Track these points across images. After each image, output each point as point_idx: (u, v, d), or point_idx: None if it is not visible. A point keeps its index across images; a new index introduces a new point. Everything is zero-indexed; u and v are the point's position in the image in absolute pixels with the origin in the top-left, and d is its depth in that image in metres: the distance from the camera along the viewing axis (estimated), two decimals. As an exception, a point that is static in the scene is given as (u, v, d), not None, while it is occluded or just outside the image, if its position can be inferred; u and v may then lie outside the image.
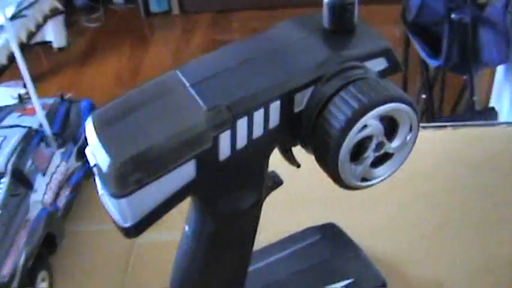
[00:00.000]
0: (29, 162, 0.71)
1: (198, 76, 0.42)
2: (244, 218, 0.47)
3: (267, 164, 0.46)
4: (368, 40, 0.45)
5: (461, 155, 0.84)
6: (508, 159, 0.82)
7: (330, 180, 0.44)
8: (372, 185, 0.45)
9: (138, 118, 0.40)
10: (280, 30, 0.46)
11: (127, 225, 0.40)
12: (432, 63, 1.87)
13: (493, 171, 0.81)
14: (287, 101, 0.42)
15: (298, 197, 0.77)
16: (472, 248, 0.71)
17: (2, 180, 0.67)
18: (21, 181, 0.69)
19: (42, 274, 0.68)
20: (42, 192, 0.71)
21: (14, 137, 0.72)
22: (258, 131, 0.41)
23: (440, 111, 2.02)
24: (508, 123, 0.89)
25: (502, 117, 1.91)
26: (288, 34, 0.45)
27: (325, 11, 0.44)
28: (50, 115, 0.79)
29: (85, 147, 0.41)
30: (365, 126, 0.40)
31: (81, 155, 0.80)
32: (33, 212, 0.68)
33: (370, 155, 0.43)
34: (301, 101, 0.42)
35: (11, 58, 2.18)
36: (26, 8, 2.53)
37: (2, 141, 0.71)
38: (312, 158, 0.44)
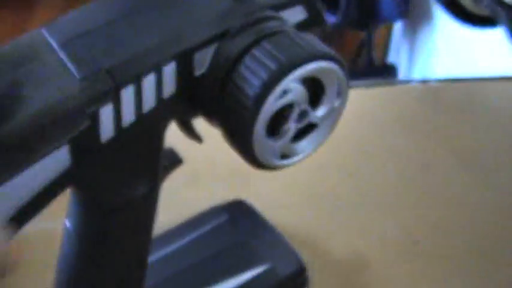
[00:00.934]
0: None
1: (69, 35, 0.33)
2: (137, 209, 0.39)
3: (163, 142, 0.37)
4: None
5: (373, 115, 0.79)
6: (419, 119, 0.78)
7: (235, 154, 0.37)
8: (293, 163, 0.38)
9: None
10: None
11: None
12: (330, 20, 1.84)
13: (403, 132, 0.76)
14: (184, 62, 0.34)
15: (200, 174, 0.68)
16: (394, 217, 0.66)
17: None
18: None
19: None
20: None
21: None
22: (149, 102, 0.33)
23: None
24: (423, 81, 0.85)
25: (401, 73, 1.91)
26: None
27: None
28: None
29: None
30: (285, 91, 0.33)
31: None
32: None
33: (291, 126, 0.36)
34: (202, 61, 0.34)
35: None
36: None
37: None
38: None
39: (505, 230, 0.65)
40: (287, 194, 0.68)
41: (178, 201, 0.60)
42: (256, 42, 0.33)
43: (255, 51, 0.33)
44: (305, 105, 0.35)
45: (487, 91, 0.84)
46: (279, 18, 0.35)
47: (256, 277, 0.53)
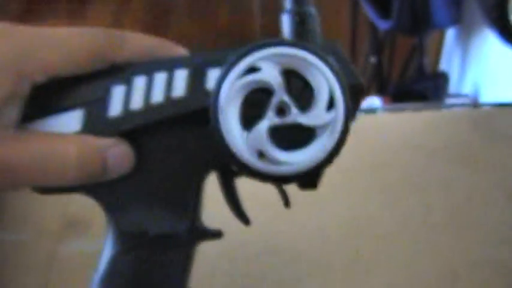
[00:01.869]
0: None
1: None
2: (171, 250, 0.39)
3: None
4: None
5: (420, 141, 0.77)
6: (467, 147, 0.76)
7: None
8: (282, 173, 0.35)
9: None
10: None
11: None
12: (381, 26, 1.81)
13: (449, 161, 0.75)
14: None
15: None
16: (434, 250, 0.65)
17: None
18: None
19: None
20: None
21: None
22: (157, 95, 0.37)
23: (389, 75, 1.96)
24: (475, 105, 0.82)
25: (453, 81, 1.87)
26: None
27: None
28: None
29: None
30: (255, 69, 0.35)
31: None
32: None
33: (268, 115, 0.35)
34: None
35: None
36: None
37: None
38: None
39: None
40: (328, 220, 0.67)
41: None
42: None
43: None
44: (284, 95, 0.35)
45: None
46: None
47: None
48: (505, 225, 0.67)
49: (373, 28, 1.89)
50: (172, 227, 0.38)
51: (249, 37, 2.29)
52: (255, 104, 0.35)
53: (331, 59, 0.35)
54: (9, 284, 0.65)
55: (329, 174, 0.38)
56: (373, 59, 1.93)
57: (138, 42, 0.38)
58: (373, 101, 1.69)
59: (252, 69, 0.35)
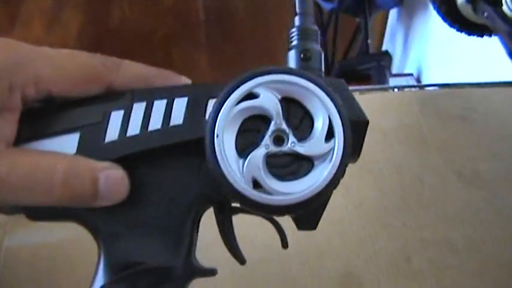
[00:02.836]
0: None
1: None
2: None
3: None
4: None
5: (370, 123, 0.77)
6: (416, 129, 0.77)
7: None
8: (278, 202, 0.34)
9: None
10: None
11: None
12: (326, 6, 1.82)
13: (398, 142, 0.75)
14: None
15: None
16: (387, 232, 0.65)
17: None
18: None
19: None
20: None
21: None
22: (155, 123, 0.37)
23: (333, 54, 1.97)
24: (420, 86, 0.83)
25: (396, 60, 1.90)
26: None
27: None
28: None
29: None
30: (253, 95, 0.34)
31: None
32: None
33: (265, 143, 0.34)
34: None
35: None
36: None
37: None
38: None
39: (502, 248, 0.64)
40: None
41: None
42: None
43: None
44: (282, 123, 0.34)
45: (489, 97, 0.83)
46: None
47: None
48: (455, 204, 0.68)
49: (317, 9, 1.90)
50: (165, 261, 0.37)
51: (193, 19, 2.26)
52: (252, 131, 0.34)
53: (331, 89, 0.35)
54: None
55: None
56: (317, 40, 1.93)
57: (134, 70, 0.38)
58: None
59: (251, 96, 0.34)
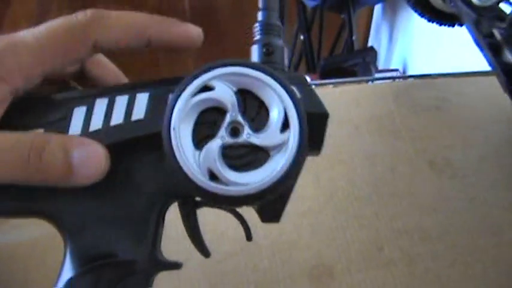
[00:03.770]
0: None
1: None
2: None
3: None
4: None
5: (344, 115, 0.77)
6: (390, 119, 0.77)
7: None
8: (234, 193, 0.34)
9: None
10: None
11: None
12: (309, 4, 1.82)
13: (371, 133, 0.75)
14: None
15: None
16: (358, 222, 0.65)
17: None
18: None
19: None
20: None
21: None
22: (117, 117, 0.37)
23: (319, 52, 1.98)
24: (393, 78, 0.83)
25: (382, 56, 1.90)
26: None
27: None
28: None
29: None
30: (209, 88, 0.35)
31: None
32: None
33: (221, 135, 0.35)
34: None
35: None
36: None
37: None
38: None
39: (474, 237, 0.64)
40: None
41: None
42: None
43: None
44: (237, 115, 0.35)
45: (463, 87, 0.83)
46: None
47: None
48: (427, 193, 0.68)
49: (302, 6, 1.90)
50: (130, 253, 0.37)
51: (180, 18, 2.26)
52: (208, 123, 0.35)
53: (286, 81, 0.35)
54: None
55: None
56: (302, 37, 1.94)
57: (122, 20, 0.36)
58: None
59: (206, 88, 0.35)
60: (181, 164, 0.34)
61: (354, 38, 1.82)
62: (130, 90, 0.37)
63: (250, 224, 0.40)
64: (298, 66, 2.03)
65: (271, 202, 0.37)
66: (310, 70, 1.92)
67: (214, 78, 0.35)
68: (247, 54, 0.40)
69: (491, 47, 0.57)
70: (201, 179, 0.34)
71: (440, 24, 0.79)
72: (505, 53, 0.55)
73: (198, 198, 0.39)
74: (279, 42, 0.40)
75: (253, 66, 0.35)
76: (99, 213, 0.37)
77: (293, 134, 0.35)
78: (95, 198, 0.37)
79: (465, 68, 0.78)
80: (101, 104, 0.36)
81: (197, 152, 0.34)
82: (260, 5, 0.40)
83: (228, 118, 0.35)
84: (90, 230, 0.37)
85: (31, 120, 0.36)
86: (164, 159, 0.34)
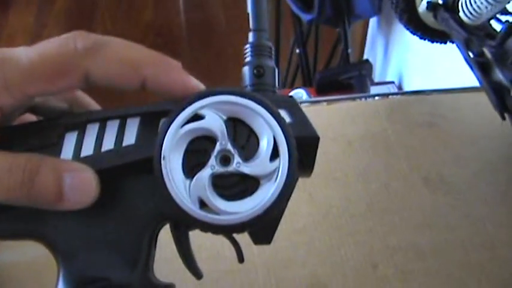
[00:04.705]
0: None
1: None
2: None
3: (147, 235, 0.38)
4: None
5: (338, 132, 0.78)
6: (383, 136, 0.77)
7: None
8: (225, 224, 0.34)
9: None
10: None
11: None
12: (305, 18, 1.83)
13: (365, 150, 0.76)
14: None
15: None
16: (353, 239, 0.65)
17: None
18: None
19: None
20: None
21: None
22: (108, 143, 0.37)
23: (315, 65, 1.98)
24: (387, 94, 0.83)
25: (377, 69, 1.91)
26: None
27: None
28: None
29: None
30: (199, 116, 0.35)
31: None
32: None
33: (211, 164, 0.35)
34: None
35: None
36: None
37: None
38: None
39: (468, 252, 0.65)
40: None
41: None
42: None
43: None
44: (227, 144, 0.35)
45: (457, 103, 0.83)
46: None
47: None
48: (421, 210, 0.69)
49: (297, 20, 1.91)
50: (123, 277, 0.37)
51: (175, 33, 2.27)
52: (199, 151, 0.35)
53: (275, 108, 0.35)
54: None
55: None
56: (298, 51, 1.94)
57: (119, 54, 0.35)
58: (298, 93, 1.70)
59: (197, 117, 0.35)
60: (172, 192, 0.34)
61: (349, 51, 1.82)
62: (121, 115, 0.37)
63: (245, 243, 0.40)
64: (295, 80, 2.04)
65: (262, 226, 0.36)
66: (307, 83, 1.93)
67: (204, 107, 0.35)
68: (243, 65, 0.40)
69: (481, 66, 0.58)
70: (191, 207, 0.34)
71: (433, 42, 0.80)
72: (495, 71, 0.56)
73: None
74: (270, 63, 0.40)
75: (242, 94, 0.35)
76: (91, 236, 0.37)
77: (283, 163, 0.35)
78: (87, 222, 0.37)
79: (461, 79, 0.78)
80: (92, 129, 0.36)
81: (187, 181, 0.34)
82: (251, 26, 0.41)
83: (218, 147, 0.35)
84: (82, 253, 0.37)
85: (23, 144, 0.36)
86: (155, 183, 0.35)
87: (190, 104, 0.35)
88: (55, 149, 0.36)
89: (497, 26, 0.65)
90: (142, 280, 0.38)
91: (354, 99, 0.83)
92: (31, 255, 0.64)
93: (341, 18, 1.80)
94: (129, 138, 0.36)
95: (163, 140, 0.34)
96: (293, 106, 0.37)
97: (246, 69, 0.39)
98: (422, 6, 0.77)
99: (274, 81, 0.40)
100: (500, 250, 0.65)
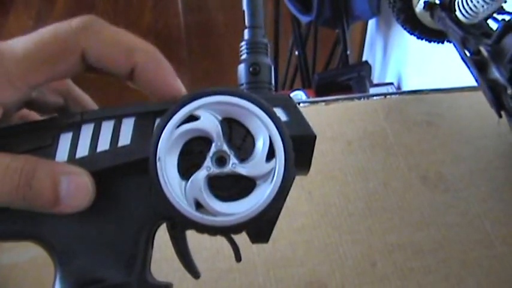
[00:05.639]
0: None
1: None
2: None
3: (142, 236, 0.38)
4: None
5: (336, 132, 0.78)
6: (382, 135, 0.78)
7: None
8: (219, 223, 0.34)
9: None
10: None
11: None
12: (303, 19, 1.83)
13: (363, 149, 0.76)
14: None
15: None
16: (352, 237, 0.66)
17: None
18: None
19: None
20: None
21: None
22: (104, 144, 0.37)
23: (314, 66, 1.99)
24: (385, 94, 0.84)
25: (377, 70, 1.91)
26: None
27: None
28: None
29: None
30: (194, 117, 0.35)
31: None
32: None
33: (206, 165, 0.34)
34: None
35: None
36: None
37: None
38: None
39: (467, 250, 0.65)
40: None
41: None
42: None
43: None
44: (223, 145, 0.34)
45: (455, 102, 0.84)
46: None
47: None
48: (420, 208, 0.69)
49: (296, 22, 1.91)
50: (120, 277, 0.37)
51: (174, 37, 2.27)
52: (194, 152, 0.35)
53: (271, 108, 0.35)
54: None
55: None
56: (297, 52, 1.95)
57: (115, 37, 0.35)
58: (297, 95, 1.71)
59: (192, 118, 0.34)
60: (167, 194, 0.34)
61: (348, 52, 1.83)
62: (116, 115, 0.37)
63: (244, 242, 0.40)
64: (294, 81, 2.04)
65: (259, 226, 0.36)
66: (306, 85, 1.94)
67: (199, 107, 0.35)
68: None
69: (477, 64, 0.58)
70: (187, 209, 0.34)
71: (430, 41, 0.81)
72: (491, 69, 0.56)
73: None
74: (266, 60, 0.39)
75: (238, 94, 0.35)
76: (87, 237, 0.37)
77: (279, 163, 0.34)
78: (83, 223, 0.37)
79: (459, 78, 0.79)
80: (87, 130, 0.36)
81: (183, 182, 0.34)
82: (246, 23, 0.40)
83: (213, 148, 0.34)
84: (79, 254, 0.37)
85: (18, 146, 0.36)
86: (151, 184, 0.35)
87: (185, 104, 0.34)
88: (50, 150, 0.36)
89: (493, 25, 0.66)
90: (140, 280, 0.37)
91: (352, 99, 0.83)
92: (31, 255, 0.64)
93: (340, 19, 1.80)
94: (125, 139, 0.36)
95: (158, 141, 0.34)
96: (289, 104, 0.37)
97: (241, 67, 0.39)
98: (419, 5, 0.77)
99: (271, 78, 0.39)
100: (499, 248, 0.65)
